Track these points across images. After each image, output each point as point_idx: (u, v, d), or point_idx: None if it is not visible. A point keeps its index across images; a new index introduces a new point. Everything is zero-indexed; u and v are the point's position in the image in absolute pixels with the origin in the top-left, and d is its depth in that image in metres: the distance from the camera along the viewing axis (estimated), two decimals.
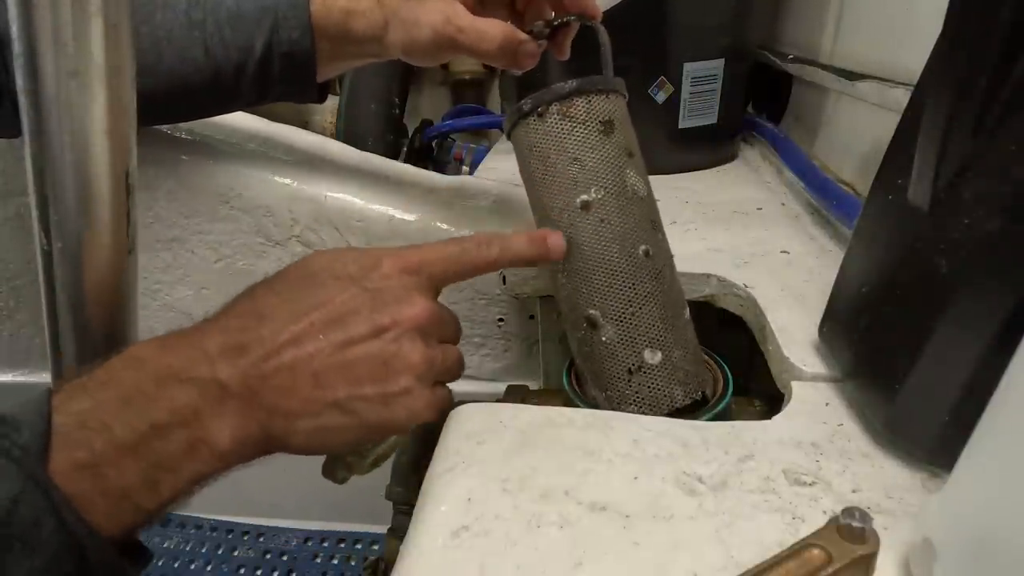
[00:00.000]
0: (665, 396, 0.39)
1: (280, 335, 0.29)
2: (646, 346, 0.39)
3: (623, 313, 0.39)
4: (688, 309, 0.42)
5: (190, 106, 0.53)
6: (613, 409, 0.40)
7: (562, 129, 0.39)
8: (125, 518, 0.25)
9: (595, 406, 0.41)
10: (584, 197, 0.39)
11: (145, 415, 0.25)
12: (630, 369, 0.39)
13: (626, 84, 0.42)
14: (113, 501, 0.24)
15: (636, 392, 0.39)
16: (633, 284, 0.39)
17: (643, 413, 0.39)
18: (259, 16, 0.48)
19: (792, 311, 0.44)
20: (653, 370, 0.39)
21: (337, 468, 0.36)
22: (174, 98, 0.49)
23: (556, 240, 0.37)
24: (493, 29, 0.44)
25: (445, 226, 0.65)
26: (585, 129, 0.39)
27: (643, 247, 0.39)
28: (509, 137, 0.43)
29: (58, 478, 0.23)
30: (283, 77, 0.50)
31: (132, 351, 0.27)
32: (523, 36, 0.45)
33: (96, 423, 0.24)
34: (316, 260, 0.32)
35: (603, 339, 0.39)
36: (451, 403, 0.35)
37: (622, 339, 0.39)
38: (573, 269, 0.39)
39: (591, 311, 0.39)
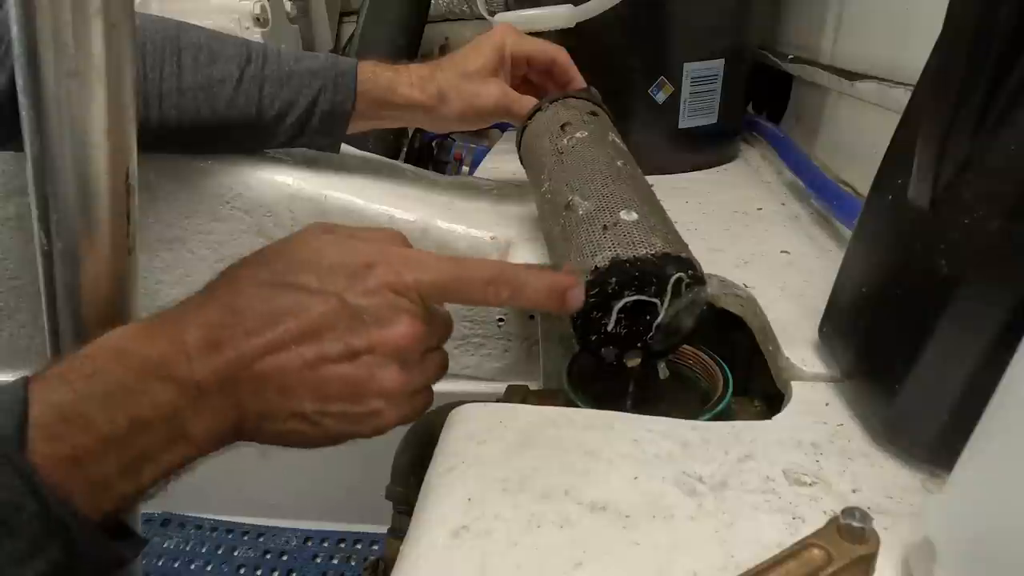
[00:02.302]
0: (643, 242, 0.37)
1: (255, 340, 0.29)
2: (621, 208, 0.40)
3: (599, 192, 0.42)
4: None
5: (227, 143, 0.60)
6: (591, 260, 0.37)
7: (551, 115, 0.54)
8: (105, 504, 0.25)
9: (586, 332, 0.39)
10: (574, 134, 0.50)
11: (127, 410, 0.26)
12: (605, 226, 0.39)
13: (627, 84, 0.49)
14: (95, 491, 0.25)
15: (611, 241, 0.37)
16: (606, 175, 0.44)
17: (618, 255, 0.36)
18: (309, 79, 0.55)
19: (792, 311, 0.44)
20: (629, 224, 0.38)
21: None
22: (216, 137, 0.57)
23: (575, 295, 0.35)
24: (531, 101, 0.58)
25: (445, 226, 0.65)
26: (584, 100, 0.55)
27: (619, 161, 0.46)
28: (523, 132, 0.57)
29: (39, 469, 0.23)
30: (318, 130, 0.58)
31: (114, 341, 0.27)
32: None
33: (78, 417, 0.24)
34: (304, 247, 0.32)
35: (579, 213, 0.41)
36: (429, 405, 0.35)
37: (598, 207, 0.41)
38: (560, 185, 0.46)
39: (570, 197, 0.43)
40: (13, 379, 0.25)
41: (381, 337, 0.30)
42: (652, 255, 0.36)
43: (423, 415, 0.36)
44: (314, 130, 0.57)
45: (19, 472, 0.22)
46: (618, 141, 0.51)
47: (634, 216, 0.39)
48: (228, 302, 0.30)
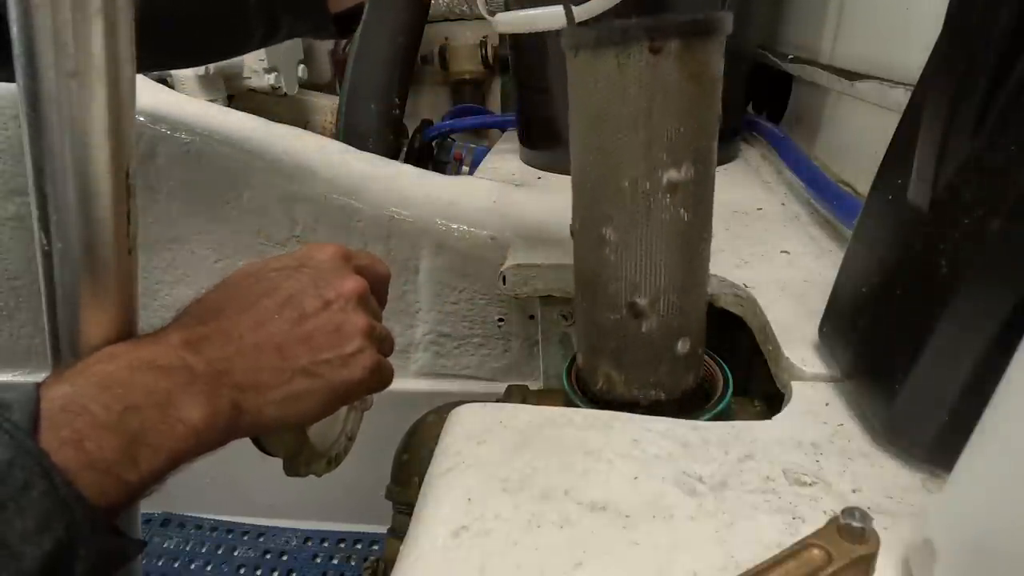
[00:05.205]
0: (681, 382, 0.40)
1: (239, 321, 0.32)
2: (680, 336, 0.39)
3: (672, 306, 0.37)
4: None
5: (196, 42, 0.53)
6: (627, 390, 0.40)
7: (677, 79, 0.30)
8: (110, 491, 0.26)
9: (595, 401, 0.41)
10: (672, 175, 0.32)
11: (121, 398, 0.27)
12: (661, 359, 0.39)
13: None
14: (98, 474, 0.26)
15: (659, 380, 0.40)
16: (692, 275, 0.37)
17: (661, 398, 0.40)
18: None
19: (792, 311, 0.44)
20: (679, 360, 0.39)
21: (299, 464, 0.38)
22: (177, 34, 0.49)
23: None
24: None
25: (445, 226, 0.65)
26: (699, 86, 0.30)
27: (706, 233, 0.37)
28: (574, 54, 0.33)
29: (49, 454, 0.24)
30: (291, 9, 0.50)
31: (104, 350, 0.29)
32: None
33: (76, 406, 0.26)
34: (251, 265, 0.36)
35: (643, 329, 0.38)
36: (392, 374, 0.38)
37: (663, 330, 0.38)
38: (630, 250, 0.35)
39: (638, 300, 0.37)
40: (13, 379, 0.25)
41: (343, 286, 0.35)
42: (683, 393, 0.41)
43: (420, 416, 0.36)
44: (287, 9, 0.49)
45: (32, 455, 0.24)
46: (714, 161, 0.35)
47: (688, 347, 0.39)
48: (203, 308, 0.33)
